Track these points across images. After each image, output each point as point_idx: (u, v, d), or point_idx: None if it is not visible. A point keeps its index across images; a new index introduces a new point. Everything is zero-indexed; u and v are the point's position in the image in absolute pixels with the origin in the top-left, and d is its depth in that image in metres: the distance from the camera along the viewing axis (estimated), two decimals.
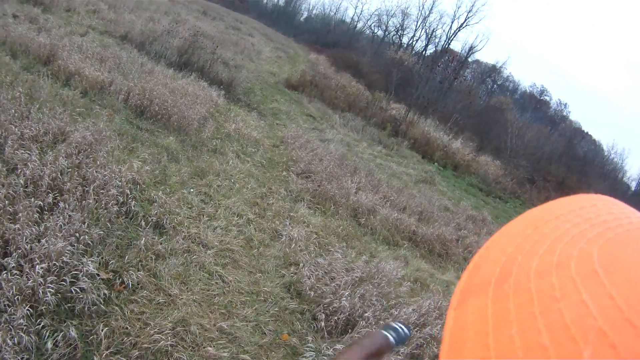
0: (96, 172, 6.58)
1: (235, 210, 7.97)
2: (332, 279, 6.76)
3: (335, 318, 6.00)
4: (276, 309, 5.96)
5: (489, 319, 0.47)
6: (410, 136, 24.63)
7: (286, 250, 7.29)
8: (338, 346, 5.48)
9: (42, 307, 4.27)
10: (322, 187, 10.53)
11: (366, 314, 6.07)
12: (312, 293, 6.35)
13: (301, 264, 6.95)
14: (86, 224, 5.50)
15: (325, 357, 5.34)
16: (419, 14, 68.90)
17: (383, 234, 10.17)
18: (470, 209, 16.41)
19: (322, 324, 5.90)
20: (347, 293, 6.34)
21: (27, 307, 4.16)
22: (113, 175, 6.73)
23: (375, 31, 77.97)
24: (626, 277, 0.43)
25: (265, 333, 5.48)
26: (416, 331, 6.03)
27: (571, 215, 0.55)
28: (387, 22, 74.29)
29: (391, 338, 1.24)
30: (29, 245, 4.76)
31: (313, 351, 5.42)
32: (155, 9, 26.79)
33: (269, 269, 6.73)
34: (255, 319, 5.61)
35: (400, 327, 1.31)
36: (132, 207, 6.51)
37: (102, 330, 4.38)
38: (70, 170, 6.40)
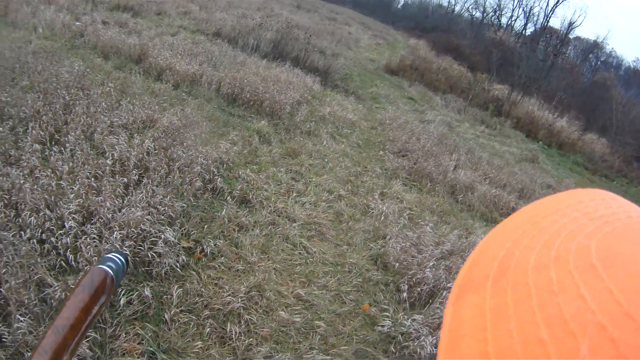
0: (182, 152, 6.82)
1: (326, 187, 8.04)
2: (419, 251, 6.68)
3: (419, 289, 5.91)
4: (360, 279, 5.95)
5: (487, 313, 0.47)
6: (513, 115, 24.08)
7: (376, 224, 7.25)
8: (416, 316, 5.41)
9: None
10: (418, 165, 10.46)
11: (449, 285, 5.97)
12: (397, 264, 6.30)
13: (388, 236, 6.89)
14: (168, 197, 5.71)
15: (402, 327, 5.28)
16: None
17: (481, 210, 9.99)
18: (573, 187, 15.90)
19: (405, 295, 5.84)
20: (430, 264, 6.24)
21: None
22: (199, 155, 6.95)
23: (474, 13, 76.80)
24: (625, 271, 0.43)
25: (345, 302, 5.48)
26: None
27: (569, 210, 0.55)
28: (484, 4, 73.14)
29: (110, 271, 1.17)
30: (110, 215, 5.02)
31: (391, 320, 5.36)
32: (247, 6, 27.21)
33: (356, 242, 6.73)
34: (337, 288, 5.62)
35: (117, 257, 1.24)
36: (218, 184, 6.69)
37: (175, 291, 4.56)
38: (156, 151, 6.62)
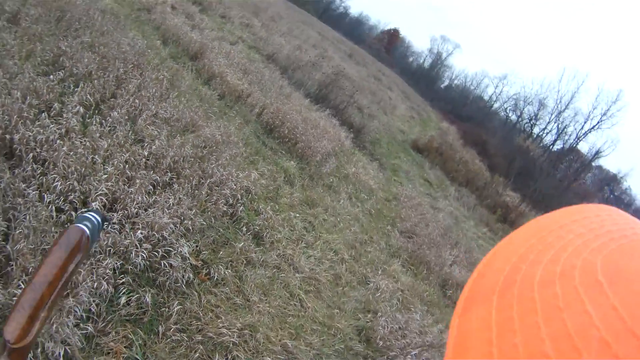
0: (216, 169, 6.86)
1: (333, 246, 8.08)
2: (404, 335, 6.74)
3: None
4: (342, 346, 5.96)
5: (492, 327, 0.47)
6: (517, 226, 24.06)
7: (369, 297, 7.30)
8: None
9: (129, 267, 4.52)
10: (421, 251, 10.49)
11: None
12: (381, 343, 6.34)
13: (379, 313, 6.94)
14: (193, 211, 5.75)
15: None
16: (555, 107, 67.34)
17: None
18: None
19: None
20: (414, 352, 6.30)
21: (118, 262, 4.40)
22: (230, 177, 7.01)
23: (510, 115, 77.15)
24: (630, 288, 0.44)
25: None
26: None
27: (575, 226, 0.56)
28: (523, 109, 73.38)
29: (86, 230, 1.18)
30: (135, 210, 5.07)
31: None
32: (305, 39, 27.43)
33: (347, 309, 6.75)
34: (319, 349, 5.63)
35: (93, 216, 1.24)
36: (239, 212, 6.72)
37: (175, 307, 4.58)
38: (192, 159, 6.68)
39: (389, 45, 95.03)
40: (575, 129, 64.01)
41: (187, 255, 5.15)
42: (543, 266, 0.50)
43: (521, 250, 0.55)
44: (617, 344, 0.39)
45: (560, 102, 67.70)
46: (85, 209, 1.65)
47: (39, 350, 3.39)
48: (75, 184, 4.83)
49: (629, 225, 0.56)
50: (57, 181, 4.73)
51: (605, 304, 0.42)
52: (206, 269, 5.40)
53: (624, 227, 0.55)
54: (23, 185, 4.45)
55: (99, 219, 1.26)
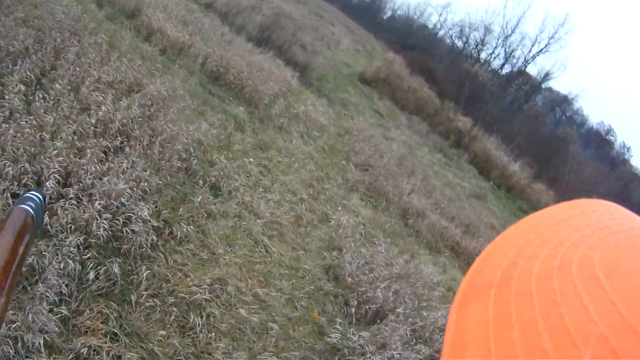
0: (166, 126, 6.79)
1: (290, 187, 8.13)
2: (371, 269, 6.84)
3: (367, 307, 6.09)
4: (312, 287, 6.07)
5: (490, 322, 0.47)
6: (471, 150, 24.41)
7: (332, 235, 7.39)
8: (364, 333, 5.57)
9: (92, 240, 4.47)
10: (378, 182, 10.61)
11: (397, 310, 6.13)
12: (350, 279, 6.45)
13: (344, 250, 7.04)
14: (148, 172, 5.70)
15: (349, 341, 5.44)
16: (501, 32, 67.18)
17: (427, 238, 10.19)
18: None
19: (353, 310, 6.00)
20: (383, 285, 6.41)
21: (81, 238, 4.35)
22: (181, 132, 6.95)
23: (456, 42, 76.98)
24: (627, 283, 0.44)
25: (297, 308, 5.60)
26: (441, 336, 6.04)
27: (573, 220, 0.56)
28: (469, 35, 73.19)
29: (30, 210, 1.17)
30: (90, 180, 4.98)
31: (339, 333, 5.52)
32: None
33: (312, 249, 6.84)
34: (290, 292, 5.73)
35: (35, 195, 1.22)
36: (193, 165, 6.69)
37: (144, 273, 4.56)
38: (140, 119, 6.60)
39: None
40: (523, 53, 63.90)
41: (148, 217, 5.12)
42: (540, 261, 0.50)
43: (518, 245, 0.55)
44: (615, 339, 0.39)
45: (506, 27, 67.33)
46: (28, 190, 1.62)
47: (19, 344, 3.39)
48: (27, 165, 4.73)
49: (626, 220, 0.56)
50: (8, 166, 4.62)
51: (603, 298, 0.42)
52: (168, 229, 5.38)
53: (621, 222, 0.55)
54: None
55: (41, 197, 1.25)
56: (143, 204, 5.24)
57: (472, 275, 0.56)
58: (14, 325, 3.46)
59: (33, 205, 1.19)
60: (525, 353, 0.41)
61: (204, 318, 4.58)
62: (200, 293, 4.73)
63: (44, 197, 1.27)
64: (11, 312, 3.55)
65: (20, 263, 1.08)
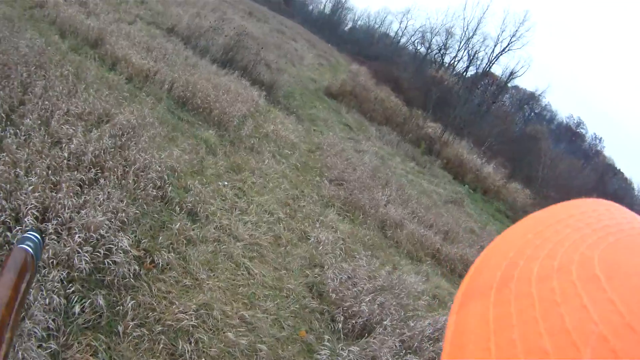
0: (138, 155, 6.77)
1: (267, 208, 8.11)
2: (354, 284, 6.84)
3: (353, 322, 6.09)
4: (297, 306, 6.06)
5: (490, 323, 0.47)
6: (443, 156, 24.58)
7: (313, 252, 7.39)
8: (353, 348, 5.57)
9: (75, 274, 4.44)
10: (353, 196, 10.62)
11: (384, 322, 6.14)
12: (334, 295, 6.45)
13: (326, 267, 7.05)
14: (124, 202, 5.68)
15: (339, 357, 5.44)
16: (463, 34, 67.95)
17: (408, 248, 10.21)
18: (495, 234, 16.32)
19: (340, 325, 6.01)
20: (367, 299, 6.42)
21: (64, 272, 4.33)
22: (153, 160, 6.93)
23: (418, 48, 77.59)
24: (627, 283, 0.43)
25: (283, 327, 5.59)
26: (430, 344, 6.07)
27: (572, 220, 0.56)
28: (431, 40, 73.91)
29: (30, 250, 1.22)
30: (68, 214, 4.94)
31: (328, 350, 5.51)
32: (202, 5, 26.87)
33: (294, 268, 6.83)
34: (276, 313, 5.71)
35: (33, 235, 1.28)
36: (169, 193, 6.67)
37: (129, 303, 4.53)
38: (112, 150, 6.57)
39: None
40: (487, 54, 64.73)
41: (128, 248, 5.09)
42: (540, 261, 0.50)
43: (518, 245, 0.55)
44: (615, 339, 0.39)
45: (467, 29, 68.17)
46: (26, 230, 1.66)
47: None
48: (4, 202, 4.70)
49: (626, 219, 0.56)
50: None
51: (603, 298, 0.42)
52: (149, 257, 5.36)
53: (621, 222, 0.55)
54: None
55: (39, 237, 1.28)
56: (122, 235, 5.20)
57: (472, 275, 0.56)
58: None
59: (32, 244, 1.23)
60: (525, 353, 0.42)
61: (192, 344, 4.56)
62: (187, 319, 4.70)
63: (42, 237, 1.31)
64: None
65: (22, 300, 1.11)
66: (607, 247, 0.49)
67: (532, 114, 72.72)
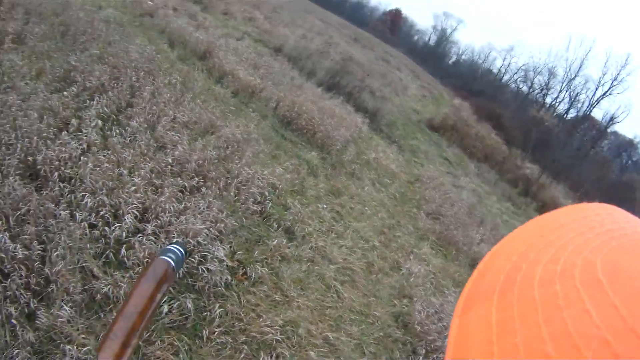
0: (242, 169, 6.90)
1: (362, 234, 8.10)
2: (440, 319, 6.74)
3: (434, 356, 6.02)
4: (381, 334, 6.00)
5: (493, 327, 0.47)
6: (539, 199, 23.98)
7: (403, 283, 7.31)
8: None
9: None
10: (448, 231, 10.48)
11: None
12: (419, 328, 6.36)
13: (415, 298, 6.95)
14: (224, 213, 5.78)
15: None
16: (565, 75, 66.78)
17: None
18: None
19: (421, 358, 5.92)
20: None
21: None
22: (256, 175, 7.05)
23: (520, 86, 76.63)
24: (630, 287, 0.44)
25: (365, 353, 5.54)
26: None
27: (575, 224, 0.56)
28: (533, 79, 72.89)
29: (171, 261, 1.26)
30: (168, 218, 5.09)
31: None
32: (309, 27, 27.33)
33: (382, 296, 6.78)
34: (360, 338, 5.67)
35: (176, 248, 1.32)
36: (268, 209, 6.76)
37: (217, 310, 4.61)
38: (216, 161, 6.71)
39: (392, 26, 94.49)
40: (588, 96, 63.44)
41: (224, 257, 5.18)
42: (543, 265, 0.50)
43: (521, 249, 0.55)
44: (618, 343, 0.39)
45: (569, 70, 67.02)
46: (170, 242, 1.74)
47: None
48: (105, 198, 4.87)
49: (629, 224, 0.56)
50: (87, 198, 4.77)
51: (606, 302, 0.42)
52: (242, 269, 5.43)
53: (624, 226, 0.55)
54: (52, 206, 4.48)
55: (182, 251, 1.33)
56: (219, 244, 5.31)
57: (476, 279, 0.57)
58: (85, 348, 3.53)
59: (174, 257, 1.28)
60: (528, 357, 0.42)
61: (273, 358, 4.58)
62: (272, 333, 4.74)
63: (186, 251, 1.37)
64: (82, 336, 3.64)
65: (155, 309, 1.16)
66: (610, 252, 0.49)
67: (629, 161, 70.37)
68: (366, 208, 9.26)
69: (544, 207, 23.10)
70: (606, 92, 60.82)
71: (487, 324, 0.48)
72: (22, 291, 3.66)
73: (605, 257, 0.48)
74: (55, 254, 4.01)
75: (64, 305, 3.71)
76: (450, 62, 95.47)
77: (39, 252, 4.01)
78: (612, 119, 59.11)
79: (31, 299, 3.65)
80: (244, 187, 6.61)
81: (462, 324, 0.52)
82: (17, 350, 3.31)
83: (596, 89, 62.26)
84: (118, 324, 1.04)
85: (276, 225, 6.61)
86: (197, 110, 7.92)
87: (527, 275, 0.50)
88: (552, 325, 0.43)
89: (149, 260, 1.24)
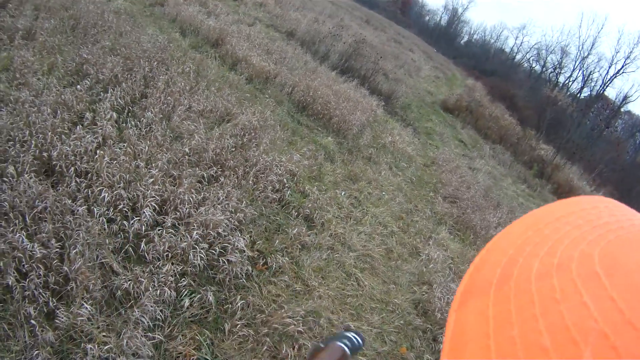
0: (260, 157, 6.87)
1: (381, 220, 8.07)
2: None
3: None
4: (401, 322, 5.97)
5: (490, 320, 0.47)
6: (554, 180, 23.86)
7: (422, 269, 7.27)
8: None
9: (188, 268, 4.53)
10: (465, 215, 10.42)
11: None
12: (439, 315, 6.32)
13: (434, 285, 6.92)
14: (243, 202, 5.76)
15: None
16: (578, 54, 66.34)
17: None
18: None
19: (441, 346, 5.89)
20: None
21: (179, 268, 4.43)
22: (274, 163, 7.01)
23: (533, 65, 76.23)
24: (627, 279, 0.44)
25: (385, 342, 5.52)
26: None
27: (572, 217, 0.56)
28: (546, 58, 72.51)
29: (347, 349, 1.28)
30: (187, 210, 5.06)
31: None
32: (320, 10, 27.23)
33: (402, 283, 6.75)
34: (380, 326, 5.65)
35: (354, 337, 1.34)
36: (287, 196, 6.74)
37: (238, 302, 4.59)
38: (234, 149, 6.68)
39: (403, 7, 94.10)
40: (601, 75, 62.97)
41: (244, 248, 5.16)
42: (540, 258, 0.50)
43: (518, 242, 0.55)
44: (615, 336, 0.39)
45: (582, 48, 66.55)
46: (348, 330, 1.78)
47: None
48: (122, 192, 4.85)
49: (626, 216, 0.56)
50: (104, 192, 4.75)
51: (603, 295, 0.42)
52: (263, 259, 5.41)
53: (621, 219, 0.55)
54: (69, 202, 4.47)
55: (360, 341, 1.39)
56: (239, 234, 5.29)
57: (472, 273, 0.56)
58: (107, 347, 3.52)
59: (350, 344, 1.34)
60: (525, 351, 0.42)
61: (295, 349, 4.56)
62: (294, 325, 4.70)
63: (363, 341, 1.43)
64: (103, 334, 3.64)
65: None
66: (607, 245, 0.49)
67: None
68: (384, 193, 9.22)
69: (559, 189, 23.01)
70: (619, 70, 60.40)
71: (484, 317, 0.48)
72: (40, 290, 3.64)
73: (603, 250, 0.48)
74: (74, 251, 3.99)
75: (84, 303, 3.69)
76: (462, 42, 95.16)
77: (57, 249, 3.99)
78: (625, 98, 58.72)
79: (50, 298, 3.64)
80: (262, 175, 6.59)
81: (459, 318, 0.52)
82: (36, 351, 3.29)
83: (609, 68, 61.85)
84: None
85: (295, 213, 6.59)
86: (212, 98, 7.90)
87: (523, 269, 0.50)
88: (549, 318, 0.43)
89: (324, 346, 1.29)
